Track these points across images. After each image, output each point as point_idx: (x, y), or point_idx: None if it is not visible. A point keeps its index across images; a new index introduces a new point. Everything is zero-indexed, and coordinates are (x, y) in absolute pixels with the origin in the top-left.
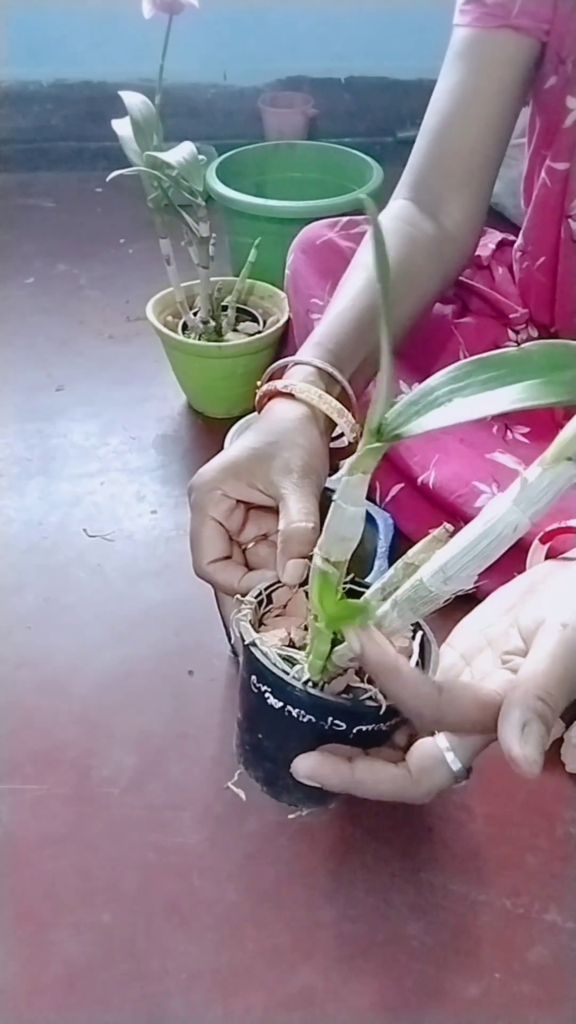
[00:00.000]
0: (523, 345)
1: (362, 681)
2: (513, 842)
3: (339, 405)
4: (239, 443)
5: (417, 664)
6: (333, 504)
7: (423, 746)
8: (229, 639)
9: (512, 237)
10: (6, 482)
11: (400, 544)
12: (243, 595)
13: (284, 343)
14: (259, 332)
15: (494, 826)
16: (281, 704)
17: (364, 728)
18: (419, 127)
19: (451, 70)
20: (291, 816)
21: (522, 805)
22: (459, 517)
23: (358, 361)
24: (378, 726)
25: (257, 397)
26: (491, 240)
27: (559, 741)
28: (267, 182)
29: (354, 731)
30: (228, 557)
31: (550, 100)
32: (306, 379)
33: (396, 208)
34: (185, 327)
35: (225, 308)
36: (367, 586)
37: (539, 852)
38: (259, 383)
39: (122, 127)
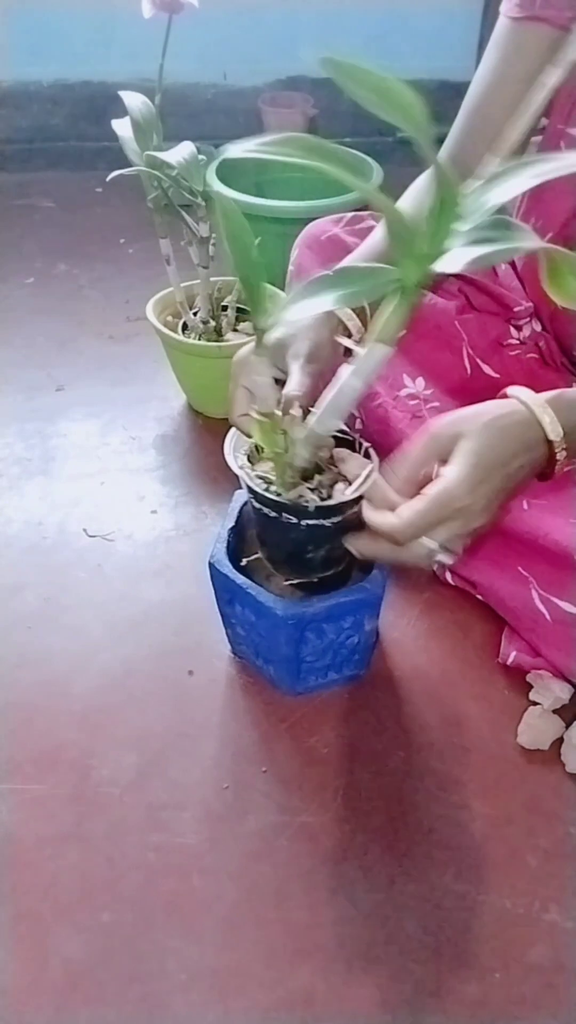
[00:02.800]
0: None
1: (314, 493)
2: (513, 842)
3: (350, 311)
4: (271, 333)
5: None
6: (342, 370)
7: None
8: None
9: None
10: (6, 482)
11: None
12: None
13: None
14: None
15: (494, 826)
16: (259, 506)
17: (309, 522)
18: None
19: (488, 55)
20: (287, 583)
21: (522, 805)
22: None
23: None
24: (319, 522)
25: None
26: None
27: (559, 741)
28: (267, 182)
29: (303, 523)
30: None
31: (572, 73)
32: None
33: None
34: (185, 327)
35: (225, 308)
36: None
37: (539, 852)
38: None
39: (122, 127)
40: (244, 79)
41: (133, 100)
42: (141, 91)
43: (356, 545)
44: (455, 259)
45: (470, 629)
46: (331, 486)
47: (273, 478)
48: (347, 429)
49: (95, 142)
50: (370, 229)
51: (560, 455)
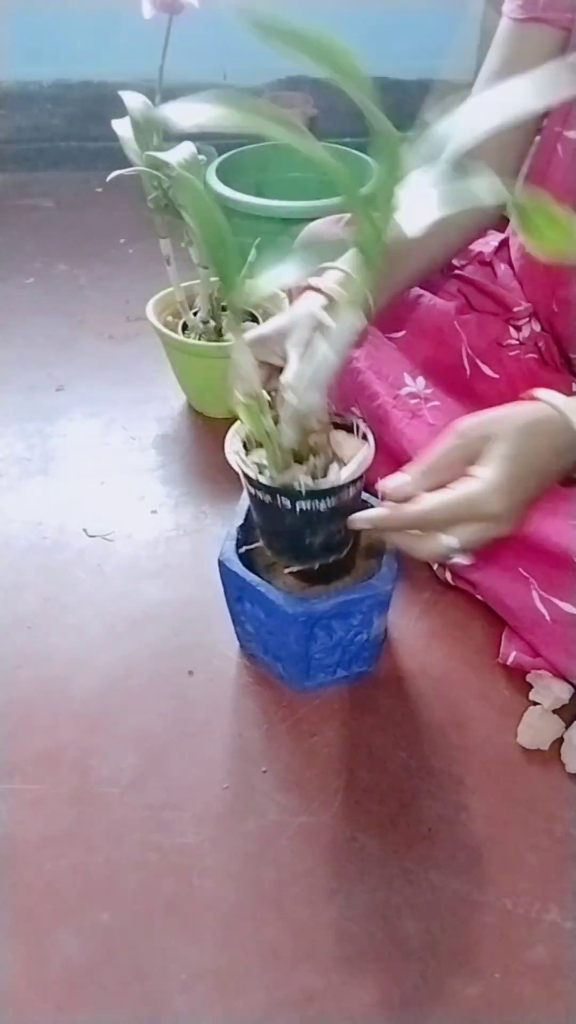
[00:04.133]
0: None
1: (310, 476)
2: (513, 842)
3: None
4: (272, 320)
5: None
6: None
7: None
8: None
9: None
10: (6, 482)
11: None
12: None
13: None
14: None
15: (494, 826)
16: (254, 491)
17: (303, 506)
18: (419, 127)
19: (491, 57)
20: (288, 571)
21: (522, 805)
22: None
23: (385, 279)
24: (313, 505)
25: (294, 294)
26: (493, 239)
27: (559, 741)
28: (267, 182)
29: (297, 508)
30: None
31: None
32: (333, 278)
33: None
34: (185, 327)
35: (225, 308)
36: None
37: (539, 852)
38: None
39: (122, 127)
40: (244, 79)
41: (133, 100)
42: (141, 91)
43: (371, 518)
44: (413, 214)
45: (470, 629)
46: (326, 468)
47: (267, 463)
48: (343, 414)
49: (95, 142)
50: None
51: None
